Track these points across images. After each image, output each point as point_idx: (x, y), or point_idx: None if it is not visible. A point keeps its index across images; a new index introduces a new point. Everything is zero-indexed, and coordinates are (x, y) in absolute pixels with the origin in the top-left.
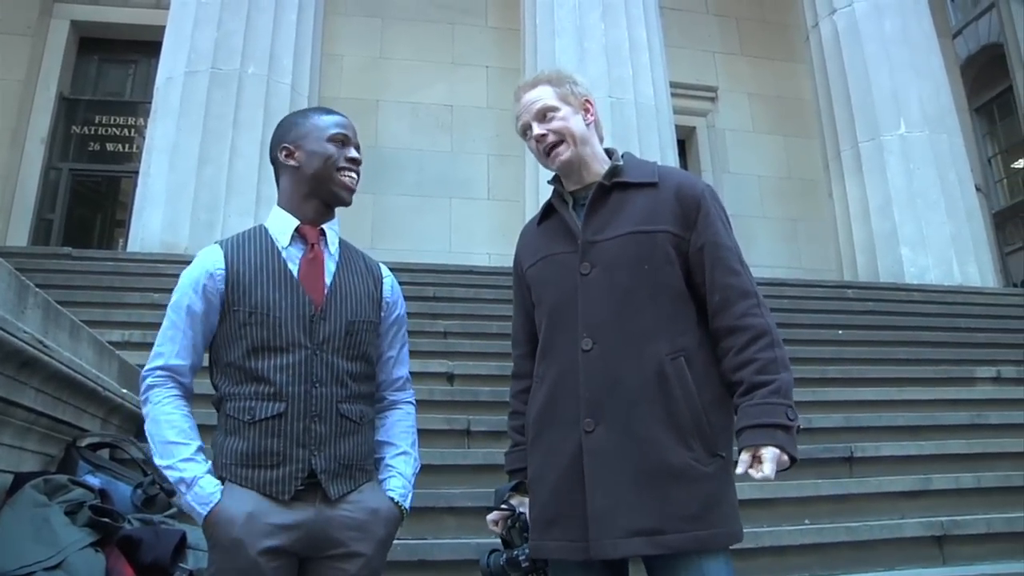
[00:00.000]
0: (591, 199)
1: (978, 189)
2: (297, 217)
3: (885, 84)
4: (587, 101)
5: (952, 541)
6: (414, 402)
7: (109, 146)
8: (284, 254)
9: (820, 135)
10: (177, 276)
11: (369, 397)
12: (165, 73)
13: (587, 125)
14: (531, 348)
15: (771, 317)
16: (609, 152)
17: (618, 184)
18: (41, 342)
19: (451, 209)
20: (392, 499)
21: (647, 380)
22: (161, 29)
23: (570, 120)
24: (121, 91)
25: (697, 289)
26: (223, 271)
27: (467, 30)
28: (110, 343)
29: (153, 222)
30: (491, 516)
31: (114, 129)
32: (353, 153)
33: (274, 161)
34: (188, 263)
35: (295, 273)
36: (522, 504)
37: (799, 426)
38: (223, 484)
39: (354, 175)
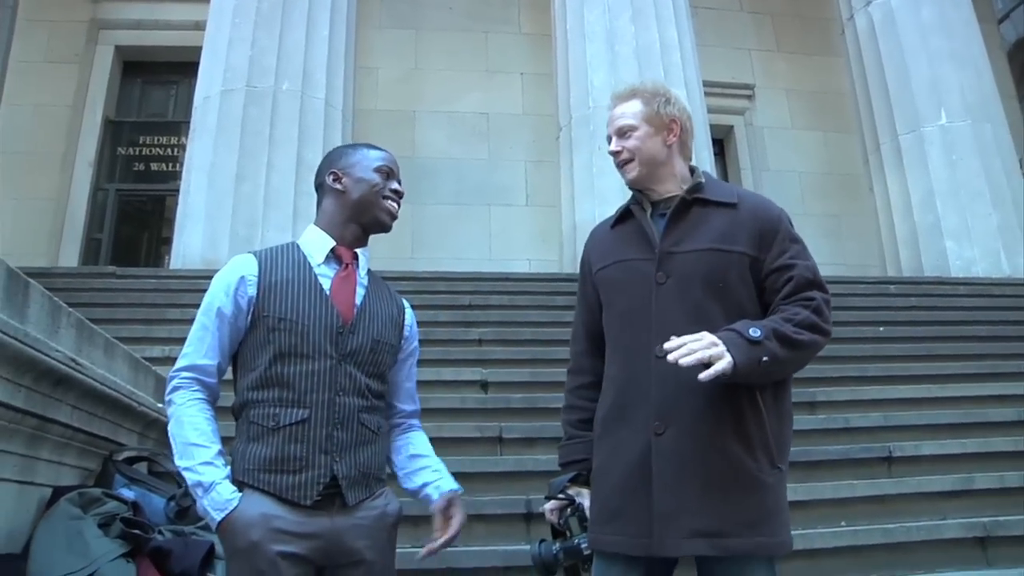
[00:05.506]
0: (672, 211)
1: None
2: (334, 238)
3: (924, 74)
4: (673, 121)
5: (996, 543)
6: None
7: (153, 166)
8: (316, 270)
9: (859, 129)
10: None
11: (383, 411)
12: (202, 92)
13: (668, 146)
14: (591, 345)
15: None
16: (692, 170)
17: (698, 200)
18: (74, 360)
19: (490, 216)
20: (452, 489)
21: (719, 392)
22: (200, 50)
23: (646, 142)
24: (164, 112)
25: (768, 309)
26: (256, 277)
27: (501, 38)
28: (151, 359)
29: (194, 239)
30: (548, 505)
31: (157, 149)
32: (396, 185)
33: (320, 186)
34: None
35: (326, 288)
36: (579, 495)
37: (764, 359)
38: (241, 491)
39: (396, 204)
